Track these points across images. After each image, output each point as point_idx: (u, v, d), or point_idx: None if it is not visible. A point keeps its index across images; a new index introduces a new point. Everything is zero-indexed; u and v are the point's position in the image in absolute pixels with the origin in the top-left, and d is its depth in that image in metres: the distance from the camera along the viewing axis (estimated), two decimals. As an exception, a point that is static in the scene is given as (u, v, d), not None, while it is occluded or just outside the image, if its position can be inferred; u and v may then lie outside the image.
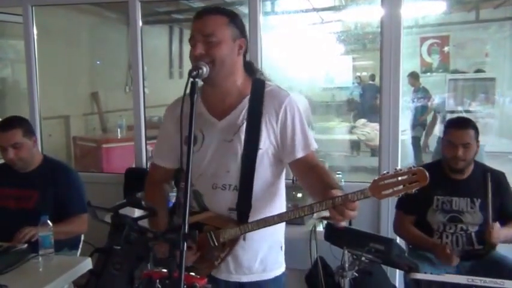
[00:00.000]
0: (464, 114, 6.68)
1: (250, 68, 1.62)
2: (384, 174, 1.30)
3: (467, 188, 2.42)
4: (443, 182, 2.42)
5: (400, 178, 1.27)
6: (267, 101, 1.55)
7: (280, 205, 1.64)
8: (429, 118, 6.62)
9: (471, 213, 2.40)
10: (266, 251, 1.60)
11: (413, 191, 1.26)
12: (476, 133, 2.42)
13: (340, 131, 7.29)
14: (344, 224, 1.37)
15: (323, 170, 1.56)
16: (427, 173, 1.25)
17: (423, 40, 7.61)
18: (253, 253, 1.58)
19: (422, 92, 6.67)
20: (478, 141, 2.42)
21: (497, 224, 2.28)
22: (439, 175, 2.42)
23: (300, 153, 1.56)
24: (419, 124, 6.43)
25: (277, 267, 1.65)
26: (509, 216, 2.44)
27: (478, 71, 7.18)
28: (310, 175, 1.55)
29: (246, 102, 1.55)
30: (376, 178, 1.30)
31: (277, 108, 1.55)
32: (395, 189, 1.27)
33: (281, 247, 1.67)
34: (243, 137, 1.52)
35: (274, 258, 1.64)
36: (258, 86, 1.58)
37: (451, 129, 2.45)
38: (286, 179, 1.68)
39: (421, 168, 1.27)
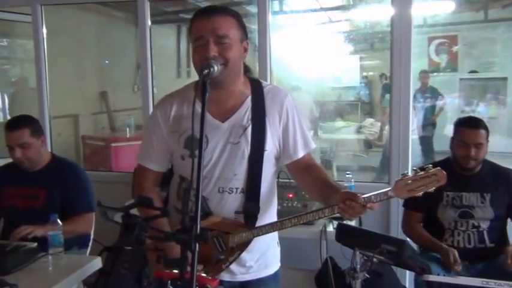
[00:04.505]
0: (475, 114, 6.64)
1: (245, 67, 1.59)
2: (405, 175, 1.36)
3: (476, 184, 2.44)
4: (453, 179, 2.38)
5: (420, 178, 1.33)
6: (268, 101, 1.54)
7: (276, 204, 1.66)
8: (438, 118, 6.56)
9: (482, 207, 2.40)
10: (266, 248, 1.61)
11: (432, 189, 1.33)
12: (487, 133, 2.43)
13: (347, 130, 7.26)
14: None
15: (321, 169, 1.58)
16: (445, 173, 1.32)
17: (431, 40, 7.55)
18: (255, 252, 1.58)
19: (430, 92, 6.62)
20: (488, 141, 2.42)
21: None
22: (448, 172, 2.41)
23: (301, 153, 1.57)
24: (430, 124, 6.37)
25: (276, 262, 1.67)
26: None
27: (490, 70, 7.09)
28: (308, 175, 1.56)
29: (248, 102, 1.53)
30: (397, 179, 1.36)
31: (279, 109, 1.54)
32: (416, 189, 1.34)
33: (277, 242, 1.68)
34: (249, 138, 1.50)
35: (272, 254, 1.65)
36: (256, 85, 1.57)
37: (464, 128, 2.45)
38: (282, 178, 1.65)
39: (439, 168, 1.33)
